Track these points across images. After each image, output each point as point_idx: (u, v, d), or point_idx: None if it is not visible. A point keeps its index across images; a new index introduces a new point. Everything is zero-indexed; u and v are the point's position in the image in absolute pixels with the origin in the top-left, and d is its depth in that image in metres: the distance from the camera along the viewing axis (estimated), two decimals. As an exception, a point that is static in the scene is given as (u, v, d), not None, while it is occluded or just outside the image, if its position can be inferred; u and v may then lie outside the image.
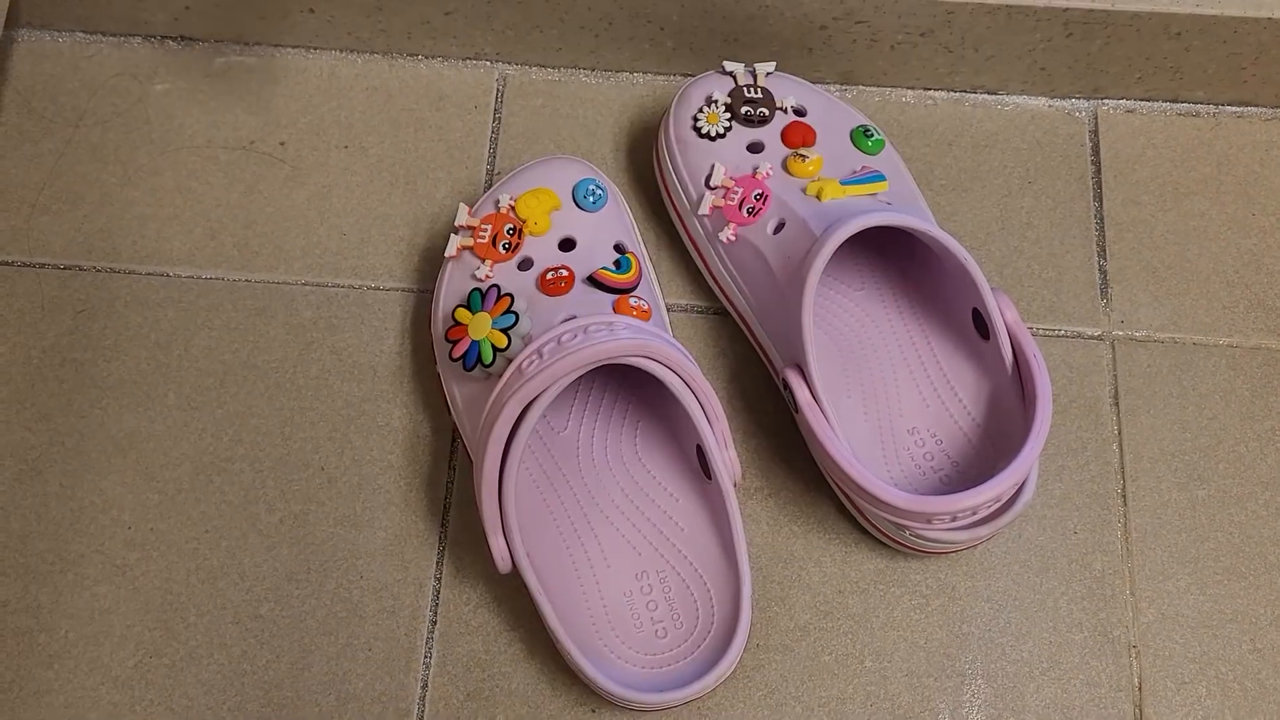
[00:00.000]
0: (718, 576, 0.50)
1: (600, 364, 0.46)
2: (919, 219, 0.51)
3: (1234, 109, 0.62)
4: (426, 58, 0.63)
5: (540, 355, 0.47)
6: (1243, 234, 0.60)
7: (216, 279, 0.59)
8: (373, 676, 0.52)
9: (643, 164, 0.61)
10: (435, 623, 0.53)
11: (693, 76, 0.58)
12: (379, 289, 0.59)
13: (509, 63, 0.63)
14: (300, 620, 0.53)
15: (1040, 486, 0.55)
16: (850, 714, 0.51)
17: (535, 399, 0.46)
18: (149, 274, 0.59)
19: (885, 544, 0.53)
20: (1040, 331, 0.58)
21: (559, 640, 0.48)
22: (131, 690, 0.52)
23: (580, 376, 0.51)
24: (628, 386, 0.54)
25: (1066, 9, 0.56)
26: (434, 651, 0.52)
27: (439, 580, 0.54)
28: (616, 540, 0.52)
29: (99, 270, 0.59)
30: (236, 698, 0.52)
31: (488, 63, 0.63)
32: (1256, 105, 0.62)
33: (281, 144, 0.61)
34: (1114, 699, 0.52)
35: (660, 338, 0.48)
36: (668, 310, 0.57)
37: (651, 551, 0.52)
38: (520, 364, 0.47)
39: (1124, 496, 0.55)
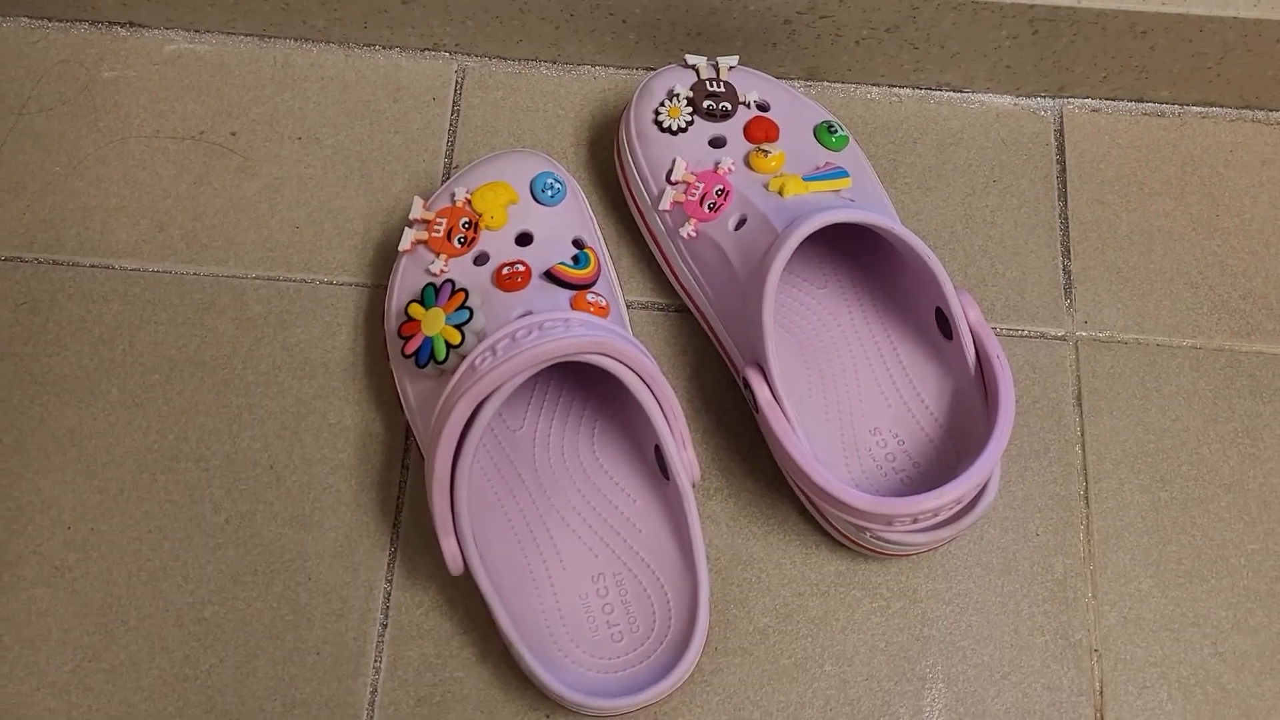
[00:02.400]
0: (675, 579, 0.49)
1: (555, 361, 0.45)
2: (882, 216, 0.50)
3: (1199, 109, 0.62)
4: (384, 48, 0.62)
5: (494, 352, 0.46)
6: (1207, 235, 0.60)
7: (163, 272, 0.57)
8: (320, 682, 0.50)
9: (604, 158, 0.60)
10: (386, 626, 0.51)
11: (655, 70, 0.57)
12: (332, 283, 0.57)
13: (468, 54, 0.62)
14: (246, 623, 0.51)
15: (1002, 488, 0.54)
16: (809, 719, 0.50)
17: (488, 397, 0.45)
18: (93, 266, 0.57)
19: (846, 546, 0.53)
20: (1003, 331, 0.57)
21: (512, 644, 0.47)
22: (69, 696, 0.50)
23: (537, 374, 0.50)
24: (585, 384, 0.53)
25: (1032, 5, 0.56)
26: (384, 656, 0.51)
27: (390, 582, 0.52)
28: (572, 541, 0.51)
29: (41, 262, 0.57)
30: (178, 703, 0.50)
31: (446, 54, 0.62)
32: (1221, 106, 0.62)
33: (233, 134, 0.60)
34: (1075, 703, 0.51)
35: (618, 334, 0.47)
36: (628, 307, 0.56)
37: (608, 553, 0.50)
38: (473, 361, 0.46)
39: (1086, 499, 0.54)
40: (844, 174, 0.52)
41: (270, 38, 0.62)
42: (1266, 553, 0.53)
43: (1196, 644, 0.52)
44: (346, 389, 0.55)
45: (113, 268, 0.57)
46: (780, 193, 0.51)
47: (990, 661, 0.52)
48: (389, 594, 0.52)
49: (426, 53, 0.62)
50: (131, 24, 0.61)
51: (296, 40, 0.62)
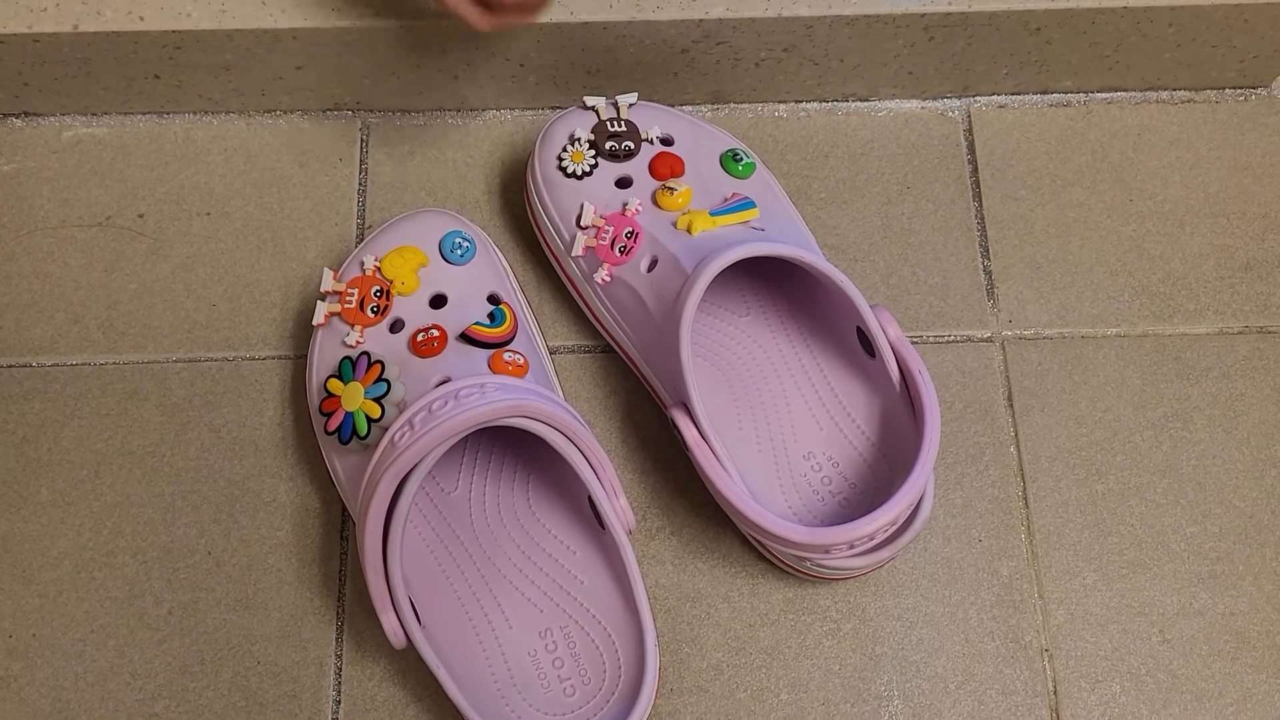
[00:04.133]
0: (621, 627, 0.49)
1: (474, 429, 0.45)
2: (793, 243, 0.50)
3: (1103, 95, 0.62)
4: (285, 113, 0.61)
5: (411, 426, 0.45)
6: (1121, 221, 0.60)
7: (82, 364, 0.56)
8: (278, 765, 0.50)
9: (518, 203, 0.60)
10: (339, 702, 0.51)
11: (562, 109, 0.57)
12: (254, 359, 0.57)
13: (371, 111, 0.61)
14: (198, 715, 0.51)
15: (941, 497, 0.55)
16: (770, 750, 0.51)
17: (412, 471, 0.45)
18: (10, 366, 0.56)
19: (791, 573, 0.53)
20: (930, 339, 0.58)
21: (464, 712, 0.47)
22: (25, 808, 0.49)
23: (466, 436, 0.50)
24: (515, 442, 0.53)
25: (924, 14, 0.56)
26: (340, 732, 0.51)
27: (340, 657, 0.52)
28: (516, 599, 0.51)
29: (-44, 367, 0.56)
30: (138, 803, 0.50)
31: (349, 113, 0.61)
32: (1125, 89, 0.62)
33: (140, 216, 0.59)
34: (1030, 705, 0.51)
35: (535, 394, 0.47)
36: (554, 352, 0.56)
37: (553, 607, 0.50)
38: (392, 437, 0.46)
39: (1025, 499, 0.55)
40: (751, 205, 0.52)
41: (168, 114, 0.61)
42: (1205, 534, 0.54)
43: (1144, 633, 0.52)
44: (278, 465, 0.55)
45: (30, 365, 0.56)
46: (689, 230, 0.51)
47: (944, 673, 0.52)
48: (340, 669, 0.52)
49: (329, 113, 0.61)
50: (26, 114, 0.61)
51: (195, 114, 0.61)
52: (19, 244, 0.59)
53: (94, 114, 0.61)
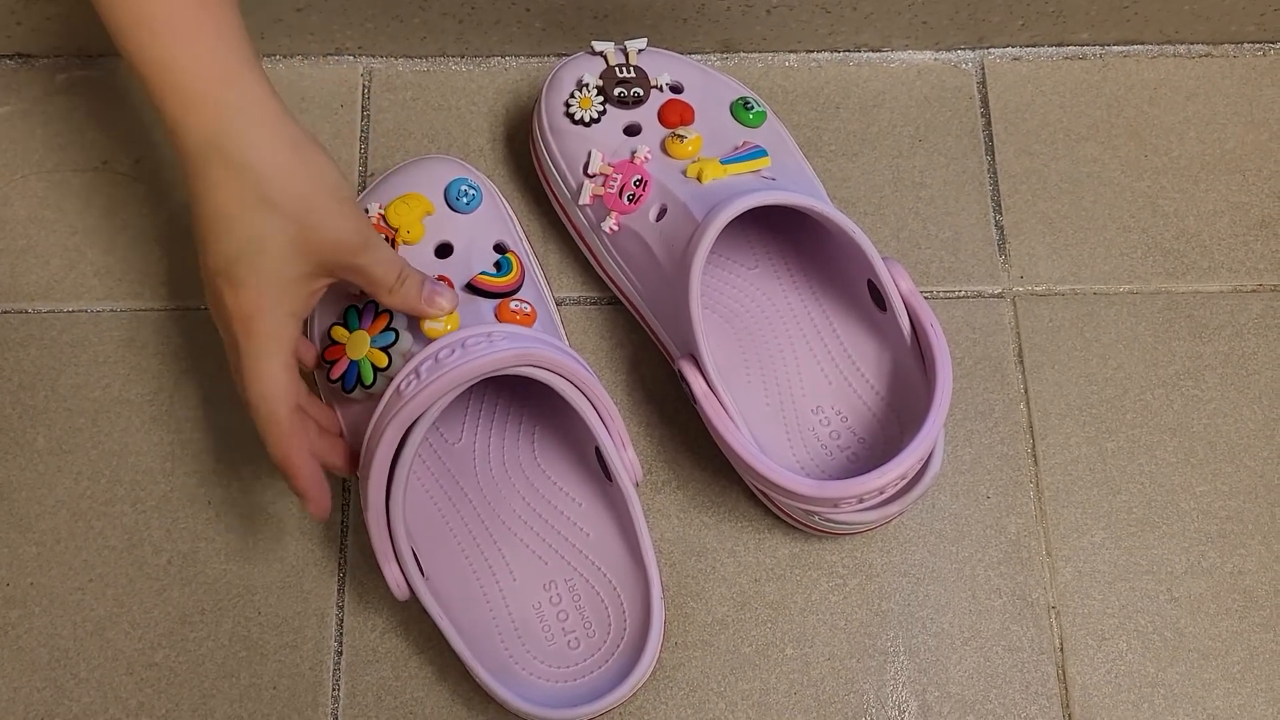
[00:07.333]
0: (627, 580, 0.49)
1: (481, 378, 0.44)
2: (804, 193, 0.49)
3: (1120, 49, 0.61)
4: (285, 57, 0.60)
5: (418, 375, 0.44)
6: (1136, 177, 0.59)
7: (79, 311, 0.55)
8: (280, 716, 0.50)
9: (522, 152, 0.59)
10: (341, 653, 0.51)
11: (567, 56, 0.56)
12: (254, 307, 0.56)
13: (373, 56, 0.60)
14: (198, 664, 0.50)
15: (950, 453, 0.54)
16: (774, 704, 0.50)
17: (416, 421, 0.44)
18: (5, 312, 0.55)
19: (798, 528, 0.52)
20: (940, 294, 0.57)
21: (468, 664, 0.46)
22: (25, 756, 0.49)
23: (471, 386, 0.49)
24: (521, 392, 0.52)
25: (941, -39, 0.54)
26: (342, 684, 0.50)
27: (341, 609, 0.51)
28: (521, 551, 0.50)
29: (-50, 313, 0.55)
30: (138, 752, 0.49)
31: (350, 57, 0.60)
32: (1142, 43, 0.61)
33: (137, 162, 0.58)
34: (1036, 662, 0.51)
35: (543, 342, 0.46)
36: (560, 304, 0.55)
37: (558, 560, 0.50)
38: (398, 386, 0.45)
39: (1034, 456, 0.54)
40: (762, 153, 0.51)
41: (166, 57, 0.59)
42: (1215, 493, 0.54)
43: (1152, 591, 0.52)
44: (279, 415, 0.54)
45: (26, 312, 0.55)
46: (699, 178, 0.50)
47: (950, 629, 0.52)
48: (341, 620, 0.51)
49: (330, 58, 0.60)
50: (20, 55, 0.59)
51: (194, 57, 0.59)
52: (13, 188, 0.57)
53: (89, 56, 0.59)
